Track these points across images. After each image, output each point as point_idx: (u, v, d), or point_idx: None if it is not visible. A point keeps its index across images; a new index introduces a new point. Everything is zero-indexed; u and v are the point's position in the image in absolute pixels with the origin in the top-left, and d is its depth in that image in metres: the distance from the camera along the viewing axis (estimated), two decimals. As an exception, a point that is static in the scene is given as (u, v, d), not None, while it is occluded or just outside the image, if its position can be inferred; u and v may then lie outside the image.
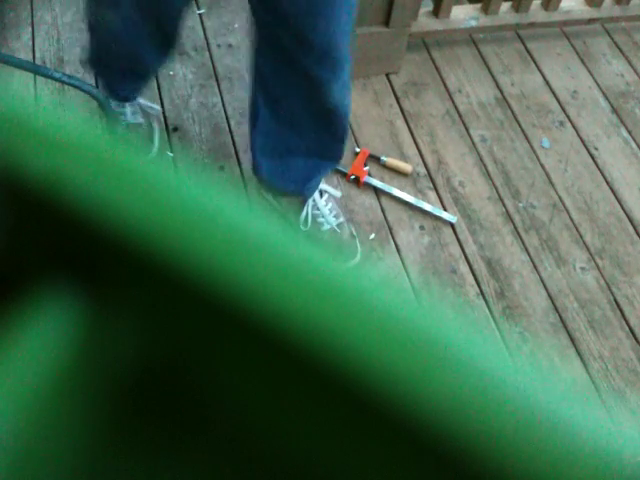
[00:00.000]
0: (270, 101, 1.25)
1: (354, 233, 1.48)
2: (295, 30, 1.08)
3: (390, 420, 0.18)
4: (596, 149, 1.74)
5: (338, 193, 1.52)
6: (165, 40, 1.32)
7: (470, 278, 1.47)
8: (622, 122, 1.81)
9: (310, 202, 1.44)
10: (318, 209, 1.45)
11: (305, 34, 1.08)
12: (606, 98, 1.86)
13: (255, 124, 1.32)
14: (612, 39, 2.01)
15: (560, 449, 0.17)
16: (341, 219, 1.46)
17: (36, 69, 1.22)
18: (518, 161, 1.68)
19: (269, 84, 1.23)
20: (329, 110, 1.23)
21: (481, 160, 1.67)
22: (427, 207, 1.54)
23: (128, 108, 1.50)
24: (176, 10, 1.25)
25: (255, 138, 1.35)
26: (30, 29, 1.75)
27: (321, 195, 1.46)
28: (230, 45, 1.79)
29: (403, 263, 1.46)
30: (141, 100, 1.52)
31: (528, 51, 1.94)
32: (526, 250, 1.53)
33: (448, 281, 1.45)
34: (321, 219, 1.45)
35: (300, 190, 1.41)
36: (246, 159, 1.55)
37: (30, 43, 1.72)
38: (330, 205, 1.46)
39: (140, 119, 1.52)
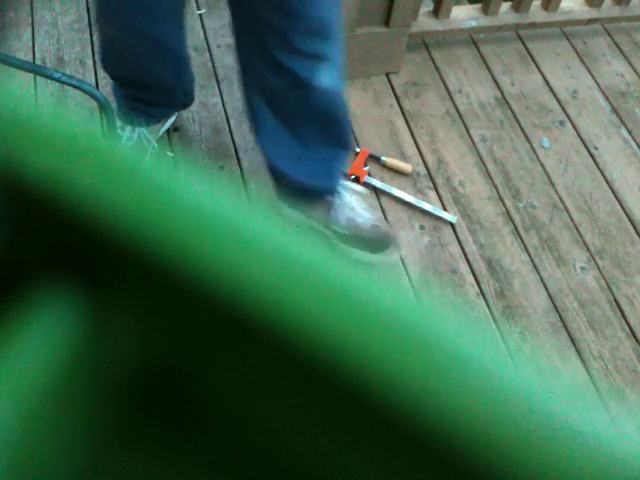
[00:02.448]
0: (268, 102, 1.19)
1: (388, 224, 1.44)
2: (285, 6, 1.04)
3: (391, 421, 0.18)
4: (596, 149, 1.74)
5: (362, 189, 1.45)
6: (172, 57, 1.28)
7: (470, 278, 1.46)
8: (622, 122, 1.81)
9: (336, 203, 1.33)
10: (353, 209, 1.34)
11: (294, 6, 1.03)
12: (606, 98, 1.86)
13: (257, 130, 1.25)
14: (612, 39, 2.01)
15: (560, 449, 0.17)
16: (376, 213, 1.41)
17: (36, 69, 1.22)
18: (518, 161, 1.68)
19: (263, 82, 1.16)
20: (324, 95, 1.14)
21: (481, 160, 1.67)
22: (427, 207, 1.54)
23: (127, 131, 1.46)
24: (164, 16, 1.19)
25: (265, 144, 1.26)
26: (30, 29, 1.75)
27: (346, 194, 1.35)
28: (230, 45, 1.78)
29: (403, 263, 1.46)
30: (144, 130, 1.47)
31: (528, 51, 1.94)
32: (526, 250, 1.52)
33: (448, 281, 1.45)
34: (360, 219, 1.34)
35: (322, 185, 1.31)
36: (246, 159, 1.55)
37: (30, 43, 1.72)
38: (359, 202, 1.38)
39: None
